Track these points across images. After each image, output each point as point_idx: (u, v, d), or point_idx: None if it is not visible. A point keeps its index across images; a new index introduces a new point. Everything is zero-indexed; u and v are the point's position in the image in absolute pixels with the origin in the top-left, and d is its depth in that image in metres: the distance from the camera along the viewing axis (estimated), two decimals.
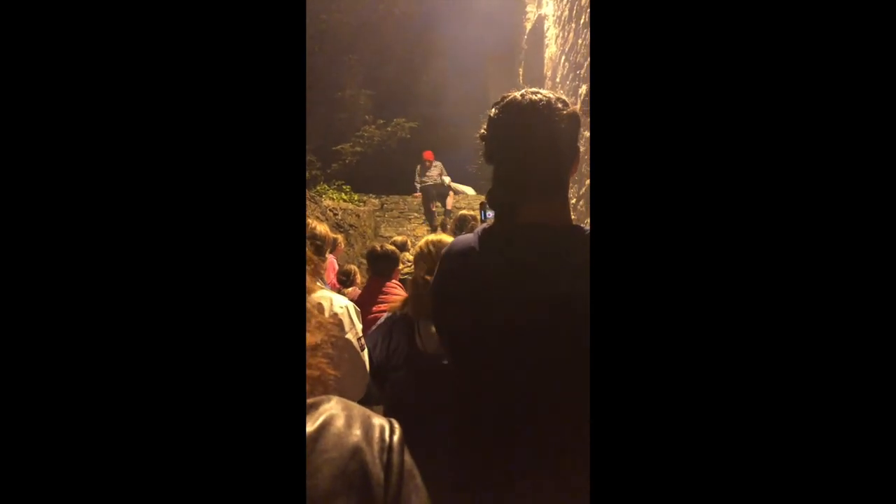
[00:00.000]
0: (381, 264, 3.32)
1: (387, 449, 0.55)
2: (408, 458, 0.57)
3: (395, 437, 0.57)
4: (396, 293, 3.15)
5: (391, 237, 8.36)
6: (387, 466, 0.54)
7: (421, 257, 1.73)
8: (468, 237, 1.11)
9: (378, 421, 0.58)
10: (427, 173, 8.43)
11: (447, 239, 1.76)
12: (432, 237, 1.81)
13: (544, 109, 1.02)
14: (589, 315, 0.61)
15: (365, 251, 8.22)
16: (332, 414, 0.56)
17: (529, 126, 1.02)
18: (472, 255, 1.06)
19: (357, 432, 0.55)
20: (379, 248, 3.43)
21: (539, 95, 1.04)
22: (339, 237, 5.39)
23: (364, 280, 4.34)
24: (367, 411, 0.59)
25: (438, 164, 8.56)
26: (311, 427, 0.54)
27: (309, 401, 0.56)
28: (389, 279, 3.27)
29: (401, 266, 3.46)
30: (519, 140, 1.03)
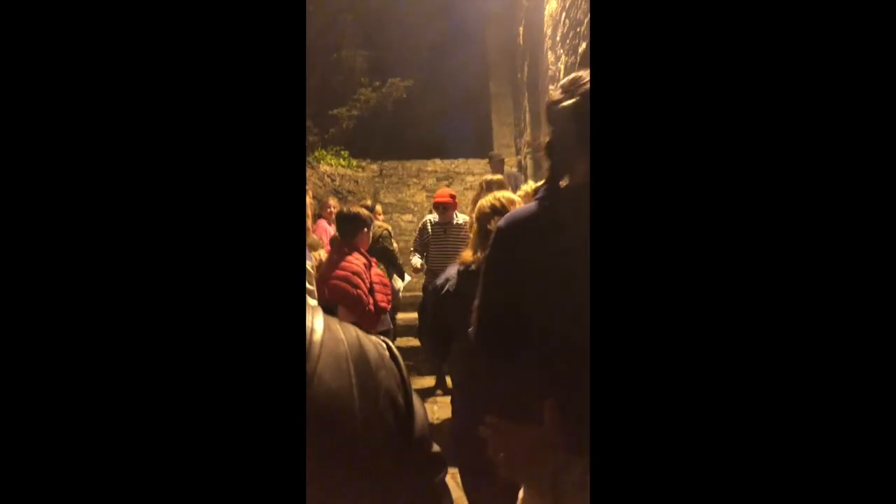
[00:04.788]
0: (346, 226, 3.13)
1: (386, 346, 0.63)
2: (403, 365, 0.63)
3: (392, 344, 0.64)
4: (354, 264, 3.01)
5: (388, 203, 8.28)
6: (392, 355, 0.62)
7: (494, 211, 1.75)
8: (529, 206, 1.12)
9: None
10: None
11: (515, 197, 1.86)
12: (500, 194, 1.83)
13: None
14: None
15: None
16: (319, 315, 0.61)
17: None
18: (539, 222, 1.06)
19: (352, 331, 0.61)
20: (345, 210, 3.26)
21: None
22: (334, 201, 5.31)
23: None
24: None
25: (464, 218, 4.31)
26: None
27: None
28: (353, 243, 3.09)
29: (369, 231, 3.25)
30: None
